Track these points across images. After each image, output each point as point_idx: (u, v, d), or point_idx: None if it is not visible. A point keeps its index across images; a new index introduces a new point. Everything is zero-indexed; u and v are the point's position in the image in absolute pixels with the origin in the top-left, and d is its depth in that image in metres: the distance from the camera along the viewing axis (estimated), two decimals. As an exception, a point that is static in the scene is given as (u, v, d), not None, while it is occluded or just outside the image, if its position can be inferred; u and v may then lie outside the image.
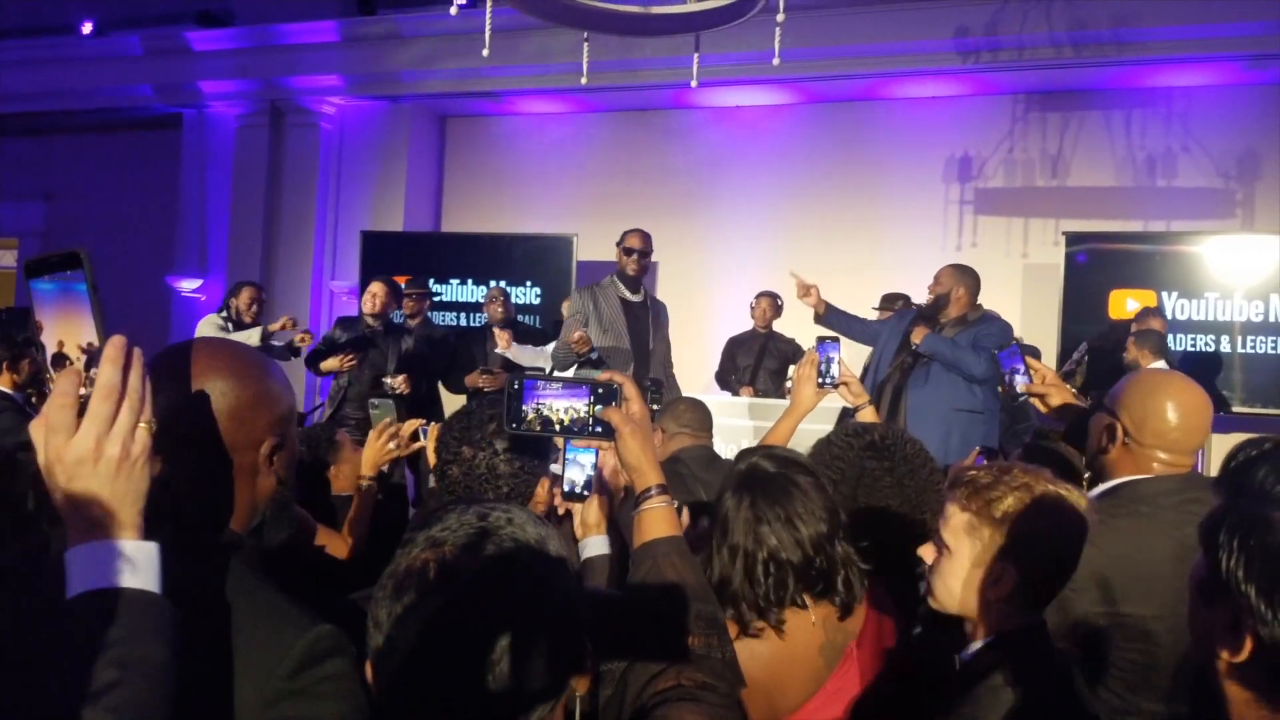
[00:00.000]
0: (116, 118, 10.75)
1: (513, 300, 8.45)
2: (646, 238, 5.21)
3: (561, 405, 1.55)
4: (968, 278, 5.14)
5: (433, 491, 2.24)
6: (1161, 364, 6.11)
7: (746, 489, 1.80)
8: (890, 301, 7.04)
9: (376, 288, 6.26)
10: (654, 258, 9.20)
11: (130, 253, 10.76)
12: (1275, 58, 7.23)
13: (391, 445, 2.76)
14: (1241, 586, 0.91)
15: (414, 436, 3.00)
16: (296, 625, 1.21)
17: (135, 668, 0.98)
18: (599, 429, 1.54)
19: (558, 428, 1.56)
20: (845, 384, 2.71)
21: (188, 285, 10.15)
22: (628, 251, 5.10)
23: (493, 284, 7.91)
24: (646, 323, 5.09)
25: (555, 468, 1.96)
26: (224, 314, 6.78)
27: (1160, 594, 1.92)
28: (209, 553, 1.24)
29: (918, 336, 4.97)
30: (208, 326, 6.62)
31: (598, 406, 1.53)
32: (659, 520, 1.51)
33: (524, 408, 1.56)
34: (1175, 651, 1.96)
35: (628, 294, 5.08)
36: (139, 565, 1.03)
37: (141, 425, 1.06)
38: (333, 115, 9.88)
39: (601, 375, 1.58)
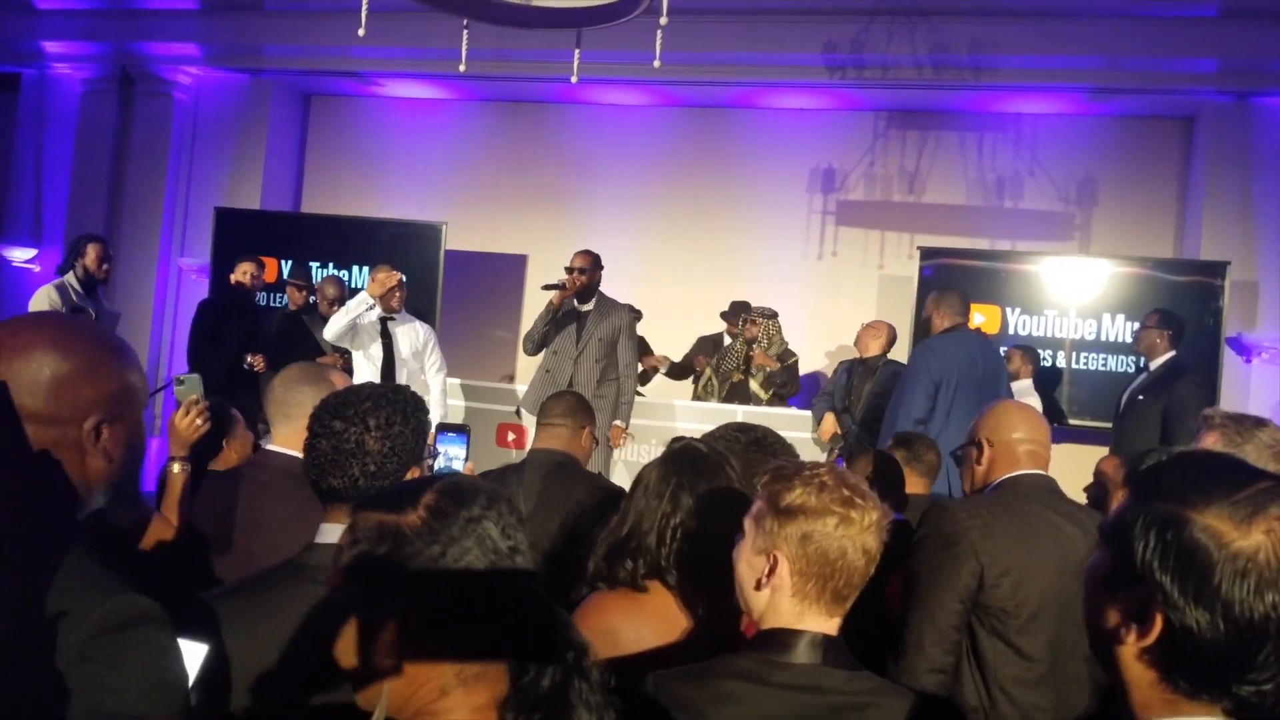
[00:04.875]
0: (-55, 73, 10.01)
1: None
2: (583, 255, 5.76)
3: None
4: (941, 303, 5.35)
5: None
6: (1030, 379, 6.53)
7: (675, 462, 1.94)
8: (739, 310, 7.26)
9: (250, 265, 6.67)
10: (523, 250, 9.27)
11: (-44, 218, 10.05)
12: (1115, 91, 7.74)
13: (199, 421, 2.64)
14: (1156, 575, 1.02)
15: None
16: (98, 591, 1.20)
17: None
18: None
19: None
20: None
21: (20, 255, 9.52)
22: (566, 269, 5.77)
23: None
24: (580, 329, 5.77)
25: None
26: (69, 277, 6.37)
27: (1041, 589, 2.23)
28: (32, 523, 1.23)
29: None
30: (41, 300, 6.24)
31: None
32: None
33: None
34: (1055, 645, 2.21)
35: (574, 303, 5.79)
36: None
37: None
38: (188, 85, 9.43)
39: None
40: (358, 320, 5.84)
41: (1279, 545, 0.99)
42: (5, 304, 9.55)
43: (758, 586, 1.54)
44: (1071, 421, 7.30)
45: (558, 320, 5.72)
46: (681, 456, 1.94)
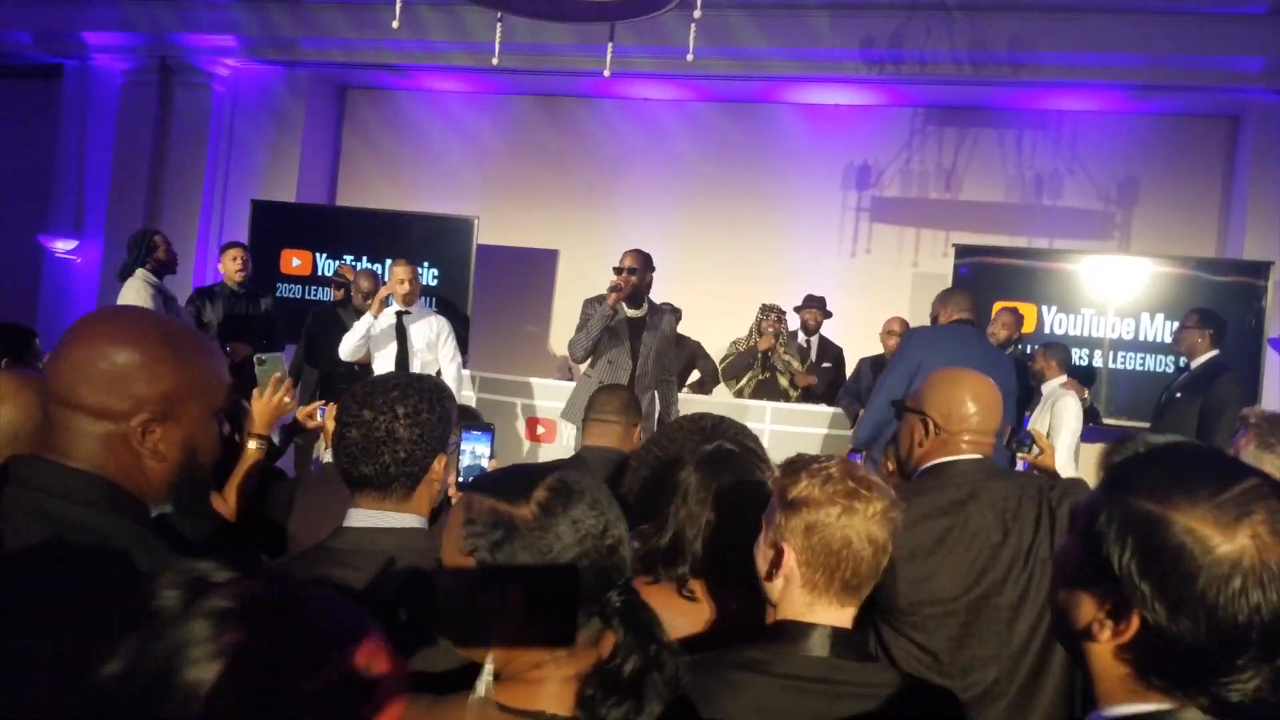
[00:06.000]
0: (-10, 64, 10.17)
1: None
2: (633, 254, 5.48)
3: None
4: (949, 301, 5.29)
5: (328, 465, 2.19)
6: (1063, 376, 6.37)
7: (711, 466, 1.88)
8: (813, 302, 7.32)
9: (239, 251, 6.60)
10: (554, 245, 9.27)
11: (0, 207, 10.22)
12: (1156, 89, 7.60)
13: (287, 399, 2.59)
14: (1135, 579, 0.98)
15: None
16: None
17: None
18: None
19: None
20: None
21: (62, 245, 9.65)
22: (615, 270, 5.50)
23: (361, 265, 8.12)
24: (635, 342, 5.52)
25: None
26: (147, 268, 6.35)
27: (936, 592, 2.14)
28: (120, 516, 1.26)
29: None
30: (130, 294, 6.21)
31: None
32: None
33: None
34: (961, 641, 2.13)
35: (624, 308, 5.49)
36: None
37: None
38: (226, 77, 9.52)
39: None
40: (370, 331, 5.87)
41: (1264, 549, 0.95)
42: (48, 295, 9.69)
43: (769, 577, 1.55)
44: (1108, 421, 7.19)
45: (610, 327, 5.46)
46: (716, 459, 1.91)
